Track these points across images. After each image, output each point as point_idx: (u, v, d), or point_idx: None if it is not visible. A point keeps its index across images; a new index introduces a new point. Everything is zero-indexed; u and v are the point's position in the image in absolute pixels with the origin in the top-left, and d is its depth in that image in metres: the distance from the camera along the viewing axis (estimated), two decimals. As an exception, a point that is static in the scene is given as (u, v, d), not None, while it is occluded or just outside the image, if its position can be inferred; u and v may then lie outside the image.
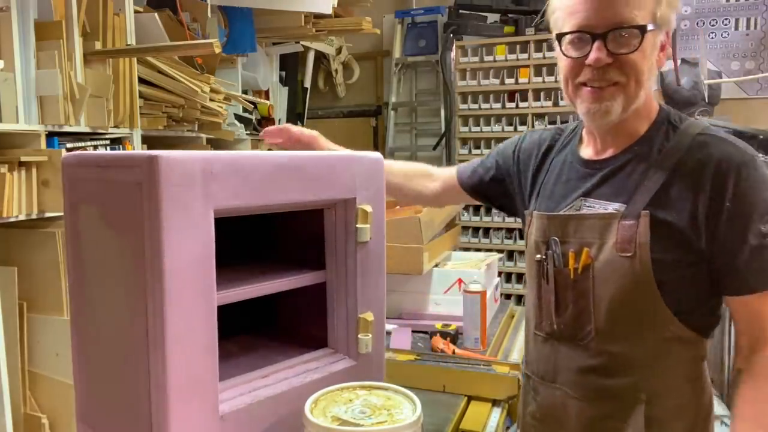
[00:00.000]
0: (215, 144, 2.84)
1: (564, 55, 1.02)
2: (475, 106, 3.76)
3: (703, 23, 3.59)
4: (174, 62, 2.46)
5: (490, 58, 3.68)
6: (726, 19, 3.55)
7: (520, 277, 3.65)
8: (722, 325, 3.03)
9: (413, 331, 1.91)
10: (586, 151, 1.11)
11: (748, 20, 3.52)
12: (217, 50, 2.00)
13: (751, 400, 0.96)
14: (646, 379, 1.01)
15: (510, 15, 3.73)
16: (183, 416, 0.84)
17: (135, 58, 2.28)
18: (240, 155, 0.92)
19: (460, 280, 1.96)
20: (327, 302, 1.12)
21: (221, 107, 2.59)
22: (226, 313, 0.97)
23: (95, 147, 2.18)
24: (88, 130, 2.13)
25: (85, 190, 0.96)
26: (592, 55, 0.97)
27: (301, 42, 3.54)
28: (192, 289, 0.85)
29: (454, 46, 3.78)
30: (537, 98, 3.59)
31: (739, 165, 0.95)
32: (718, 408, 2.43)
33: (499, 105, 3.69)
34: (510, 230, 3.68)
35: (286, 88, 3.76)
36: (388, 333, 1.83)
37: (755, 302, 0.96)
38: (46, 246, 2.00)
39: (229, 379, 1.00)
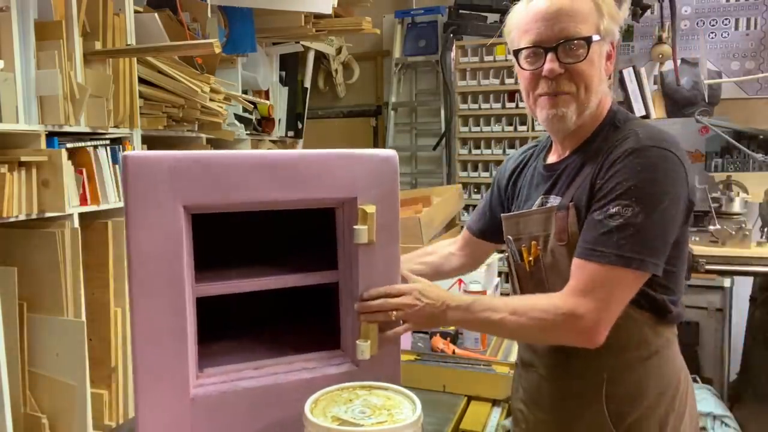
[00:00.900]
0: (215, 144, 2.84)
1: (522, 68, 1.13)
2: (475, 106, 3.76)
3: (703, 23, 3.59)
4: (174, 62, 2.46)
5: (490, 58, 3.68)
6: (726, 19, 3.55)
7: (520, 277, 3.65)
8: (722, 327, 3.03)
9: (413, 331, 1.91)
10: (551, 158, 1.22)
11: (748, 20, 3.52)
12: (217, 50, 2.00)
13: (514, 299, 1.11)
14: (606, 358, 1.08)
15: (510, 15, 3.72)
16: (151, 394, 0.94)
17: (135, 58, 2.28)
18: (213, 154, 0.98)
19: (460, 281, 1.96)
20: (339, 304, 1.12)
21: (221, 107, 2.59)
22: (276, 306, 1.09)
23: (95, 147, 2.18)
24: (88, 130, 2.13)
25: None
26: (546, 66, 1.07)
27: (301, 42, 3.54)
28: (158, 279, 0.92)
29: (454, 46, 3.78)
30: (537, 98, 3.59)
31: (626, 151, 1.02)
32: (717, 408, 2.44)
33: (499, 105, 3.69)
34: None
35: (286, 88, 3.76)
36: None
37: (576, 264, 1.04)
38: (46, 246, 2.00)
39: (219, 366, 1.04)
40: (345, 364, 1.10)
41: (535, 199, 1.18)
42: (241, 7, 2.80)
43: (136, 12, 2.34)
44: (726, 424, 2.35)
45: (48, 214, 1.99)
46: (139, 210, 0.91)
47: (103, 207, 2.19)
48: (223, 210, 1.00)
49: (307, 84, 4.05)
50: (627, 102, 3.63)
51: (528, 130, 3.61)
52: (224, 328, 1.21)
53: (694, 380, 2.70)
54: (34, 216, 1.95)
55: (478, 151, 3.77)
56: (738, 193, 2.64)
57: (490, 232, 1.38)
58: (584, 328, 1.00)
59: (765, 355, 2.81)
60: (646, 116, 3.58)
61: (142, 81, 2.36)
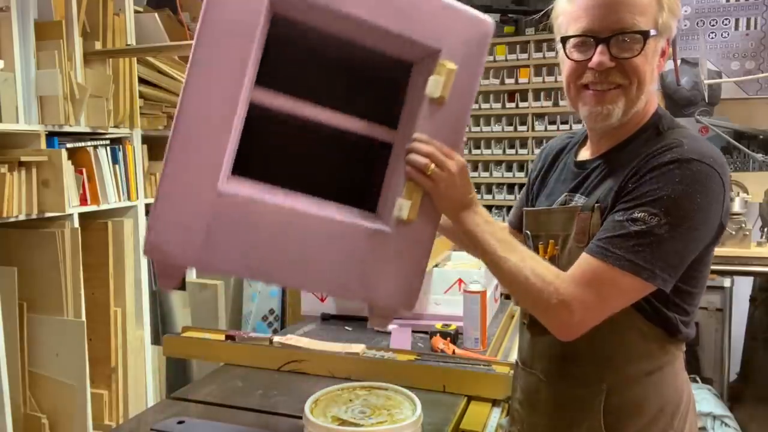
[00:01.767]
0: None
1: (568, 57, 1.04)
2: (475, 106, 3.76)
3: (703, 23, 3.59)
4: (174, 62, 2.46)
5: (490, 58, 3.68)
6: (726, 19, 3.55)
7: (520, 277, 3.65)
8: (722, 327, 3.03)
9: (413, 331, 1.91)
10: (584, 153, 1.15)
11: (748, 20, 3.52)
12: (217, 50, 2.00)
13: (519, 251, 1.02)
14: (608, 369, 1.04)
15: (510, 15, 3.72)
16: (181, 166, 0.90)
17: (135, 58, 2.28)
18: None
19: (460, 280, 1.96)
20: (389, 163, 1.05)
21: (221, 107, 2.59)
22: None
23: (95, 147, 2.18)
24: (88, 130, 2.13)
25: None
26: (595, 59, 0.99)
27: (301, 42, 3.54)
28: (222, 59, 0.89)
29: (454, 46, 3.77)
30: (537, 98, 3.59)
31: (669, 160, 0.95)
32: (717, 408, 2.44)
33: (499, 105, 3.69)
34: (510, 230, 3.68)
35: (286, 88, 3.76)
36: (388, 333, 1.83)
37: (584, 258, 0.98)
38: (46, 246, 2.00)
39: (259, 181, 0.98)
40: (379, 222, 1.01)
41: (558, 195, 1.12)
42: (241, 7, 2.80)
43: (136, 12, 2.34)
44: (726, 424, 2.35)
45: (48, 214, 1.99)
46: None
47: (103, 207, 2.19)
48: (310, 17, 0.95)
49: (307, 84, 4.05)
50: (627, 102, 3.63)
51: (528, 130, 3.61)
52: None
53: (694, 380, 2.71)
54: (34, 216, 1.95)
55: (478, 151, 3.77)
56: (738, 193, 2.64)
57: None
58: (568, 322, 0.96)
59: (765, 355, 2.82)
60: (646, 116, 3.59)
61: (142, 81, 2.36)
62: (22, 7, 1.92)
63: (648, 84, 1.02)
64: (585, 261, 0.97)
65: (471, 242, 1.05)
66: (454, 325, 1.83)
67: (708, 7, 3.57)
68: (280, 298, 2.92)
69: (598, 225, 1.00)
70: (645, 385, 1.04)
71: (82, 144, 2.13)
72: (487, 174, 3.76)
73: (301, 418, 1.01)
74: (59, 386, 2.04)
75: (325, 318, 2.03)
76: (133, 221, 2.34)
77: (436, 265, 2.08)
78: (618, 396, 1.04)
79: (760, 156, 2.79)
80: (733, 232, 2.44)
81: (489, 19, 1.02)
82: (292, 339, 1.61)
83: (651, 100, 1.06)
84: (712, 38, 3.58)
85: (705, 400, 2.44)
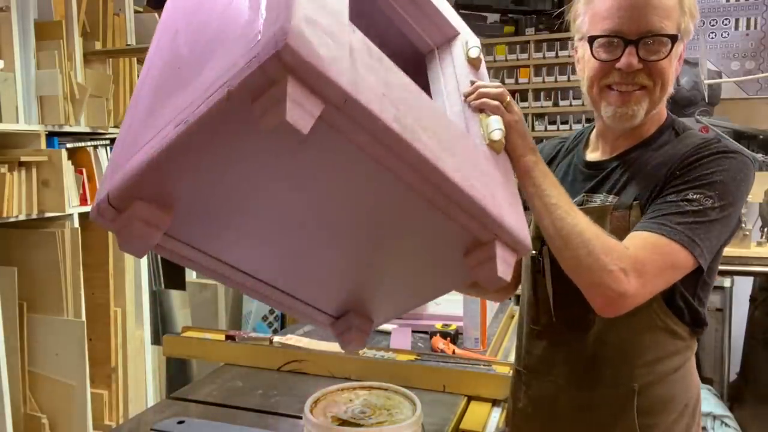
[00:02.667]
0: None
1: (594, 57, 1.04)
2: (475, 106, 3.75)
3: (703, 23, 3.59)
4: (174, 62, 2.46)
5: (490, 58, 3.68)
6: (726, 19, 3.55)
7: (520, 277, 3.65)
8: (722, 327, 3.03)
9: (413, 331, 1.91)
10: (593, 155, 1.14)
11: (748, 20, 3.52)
12: (217, 50, 2.00)
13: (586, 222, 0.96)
14: (639, 368, 1.04)
15: (510, 15, 3.72)
16: None
17: (135, 58, 2.28)
18: None
19: (460, 280, 1.96)
20: None
21: (221, 107, 2.60)
22: None
23: (95, 147, 2.18)
24: (88, 130, 2.13)
25: None
26: (624, 60, 1.00)
27: (301, 42, 3.54)
28: None
29: (454, 46, 3.77)
30: (537, 98, 3.59)
31: (716, 150, 0.98)
32: (717, 408, 2.44)
33: (499, 105, 3.69)
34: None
35: (286, 88, 3.76)
36: (388, 333, 1.83)
37: (640, 234, 0.96)
38: (46, 246, 2.00)
39: None
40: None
41: (573, 196, 1.08)
42: (241, 7, 2.80)
43: (136, 12, 2.34)
44: (726, 424, 2.35)
45: (48, 214, 1.99)
46: None
47: (103, 207, 2.19)
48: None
49: (307, 84, 4.05)
50: (627, 102, 3.63)
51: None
52: None
53: (694, 380, 2.71)
54: (34, 216, 1.95)
55: (478, 151, 3.77)
56: (738, 193, 2.64)
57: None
58: (622, 292, 0.91)
59: (765, 355, 2.82)
60: (646, 116, 3.59)
61: (142, 81, 2.36)
62: (22, 7, 1.92)
63: (670, 86, 1.04)
64: (642, 237, 0.95)
65: (535, 190, 0.96)
66: (454, 325, 1.83)
67: (708, 7, 3.57)
68: (280, 298, 2.92)
69: (637, 222, 0.99)
70: (673, 382, 1.05)
71: (82, 144, 2.13)
72: (487, 174, 3.76)
73: (301, 418, 1.01)
74: (59, 386, 2.04)
75: (325, 318, 2.02)
76: (133, 221, 2.34)
77: (436, 265, 2.08)
78: (649, 395, 1.04)
79: (760, 156, 2.79)
80: (733, 232, 2.44)
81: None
82: (292, 339, 1.61)
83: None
84: (712, 38, 3.58)
85: (705, 400, 2.44)
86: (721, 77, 3.46)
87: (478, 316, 1.77)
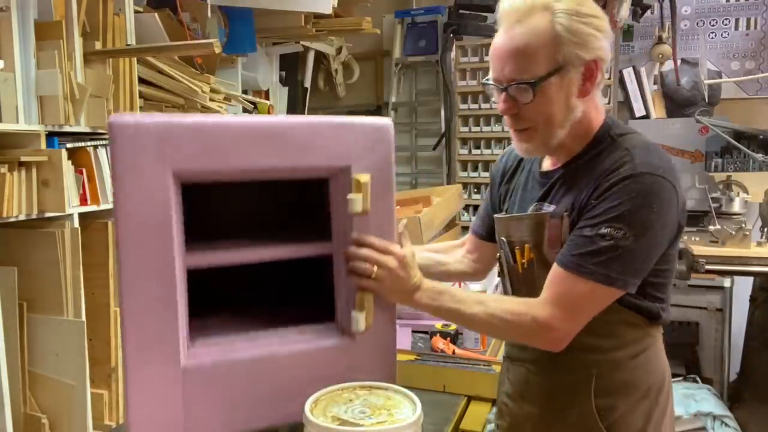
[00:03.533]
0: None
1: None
2: (475, 106, 3.76)
3: (703, 23, 3.59)
4: (174, 62, 2.46)
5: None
6: (726, 19, 3.55)
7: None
8: (722, 327, 3.03)
9: (413, 331, 1.92)
10: (546, 163, 1.22)
11: (748, 20, 3.52)
12: (217, 50, 2.00)
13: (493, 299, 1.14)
14: (596, 355, 1.12)
15: (510, 15, 3.72)
16: (141, 366, 0.91)
17: (135, 58, 2.28)
18: (203, 119, 0.94)
19: (460, 281, 1.96)
20: (333, 276, 1.09)
21: (221, 107, 2.59)
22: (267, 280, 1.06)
23: (95, 147, 2.18)
24: (88, 130, 2.13)
25: None
26: (499, 106, 1.11)
27: (301, 42, 3.54)
28: (146, 247, 0.90)
29: (454, 46, 3.78)
30: (537, 98, 3.59)
31: (623, 176, 1.03)
32: (717, 408, 2.44)
33: (499, 105, 3.69)
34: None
35: (286, 88, 3.76)
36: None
37: (558, 274, 1.07)
38: (46, 246, 2.00)
39: (211, 338, 1.02)
40: (340, 337, 1.07)
41: (529, 203, 1.19)
42: (241, 7, 2.80)
43: (136, 12, 2.34)
44: (726, 424, 2.35)
45: (48, 214, 1.99)
46: (127, 176, 0.88)
47: (103, 207, 2.19)
48: (214, 178, 0.97)
49: (307, 84, 4.05)
50: (627, 102, 3.63)
51: (528, 130, 3.62)
52: (218, 304, 1.19)
53: (694, 380, 2.71)
54: (34, 216, 1.95)
55: (478, 151, 3.77)
56: (738, 193, 2.64)
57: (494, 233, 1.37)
58: (555, 338, 1.05)
59: (765, 355, 2.81)
60: (646, 116, 3.59)
61: (142, 81, 2.36)
62: (22, 7, 1.92)
63: (559, 119, 1.08)
64: (559, 277, 1.06)
65: (434, 315, 1.13)
66: (454, 325, 1.83)
67: (708, 7, 3.57)
68: (280, 298, 2.92)
69: (567, 232, 1.08)
70: (632, 367, 1.13)
71: (82, 144, 2.13)
72: (486, 174, 3.76)
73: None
74: (59, 386, 2.04)
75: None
76: (133, 221, 2.34)
77: (436, 265, 2.08)
78: (607, 379, 1.12)
79: (760, 156, 2.78)
80: (733, 232, 2.44)
81: (388, 121, 1.06)
82: (292, 339, 1.61)
83: (589, 115, 1.12)
84: (712, 38, 3.58)
85: (705, 400, 2.44)
86: (721, 77, 3.46)
87: (478, 316, 1.77)
